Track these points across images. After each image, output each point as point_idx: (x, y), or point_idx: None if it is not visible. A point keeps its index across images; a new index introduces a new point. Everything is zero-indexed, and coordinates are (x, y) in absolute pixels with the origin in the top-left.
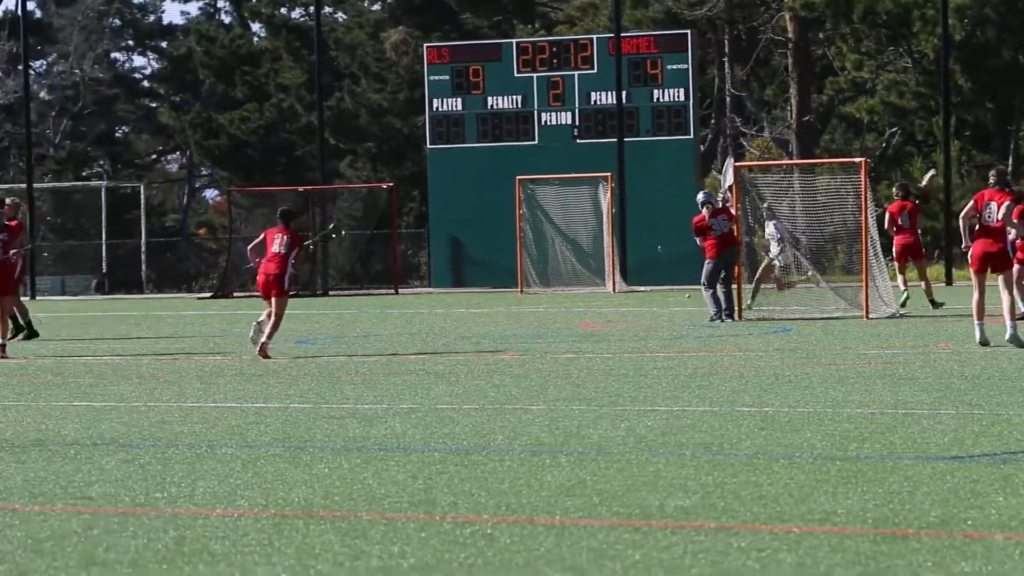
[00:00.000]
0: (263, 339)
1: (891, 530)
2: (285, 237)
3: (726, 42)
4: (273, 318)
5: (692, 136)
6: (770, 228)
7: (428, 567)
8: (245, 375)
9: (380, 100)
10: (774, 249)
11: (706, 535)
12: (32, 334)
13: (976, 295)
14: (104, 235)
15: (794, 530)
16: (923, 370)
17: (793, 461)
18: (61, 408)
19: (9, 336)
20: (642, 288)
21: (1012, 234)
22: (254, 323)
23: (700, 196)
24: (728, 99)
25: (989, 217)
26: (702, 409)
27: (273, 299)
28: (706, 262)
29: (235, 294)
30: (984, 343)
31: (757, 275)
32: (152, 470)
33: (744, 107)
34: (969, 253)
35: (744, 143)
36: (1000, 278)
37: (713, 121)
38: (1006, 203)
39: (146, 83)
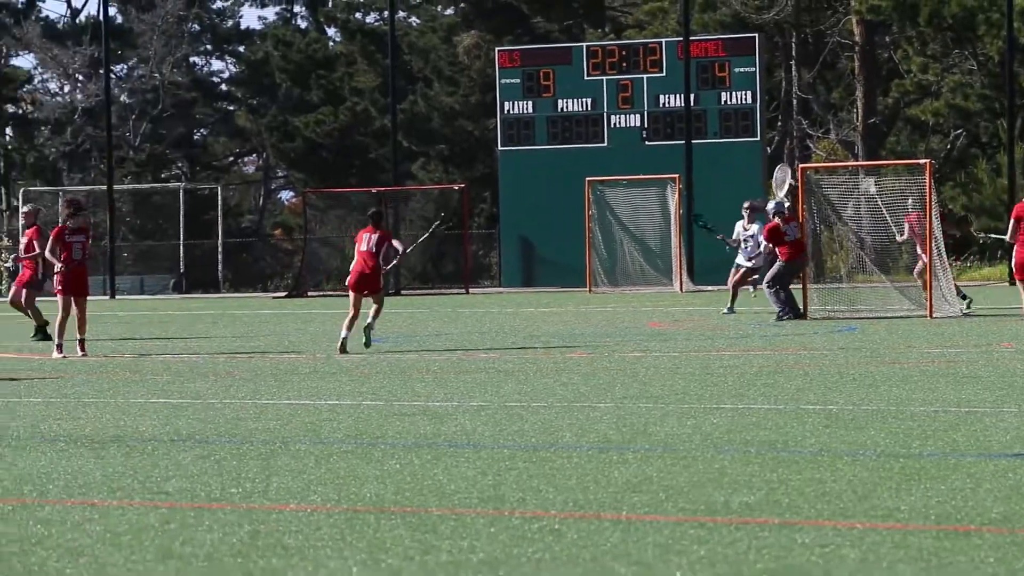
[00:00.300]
0: (369, 320)
1: (953, 527)
2: (373, 236)
3: (793, 45)
4: (375, 307)
5: (759, 138)
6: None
7: (496, 562)
8: (319, 373)
9: (452, 103)
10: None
11: (770, 531)
12: (45, 336)
13: None
14: (182, 235)
15: (857, 526)
16: (986, 369)
17: (856, 458)
18: (139, 405)
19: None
20: (709, 288)
21: None
22: (342, 334)
23: (771, 206)
24: (795, 102)
25: None
26: (767, 407)
27: (370, 297)
28: (779, 263)
29: (309, 293)
30: None
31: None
32: (227, 466)
33: (811, 110)
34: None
35: (811, 145)
36: None
37: (780, 123)
38: None
39: (224, 87)
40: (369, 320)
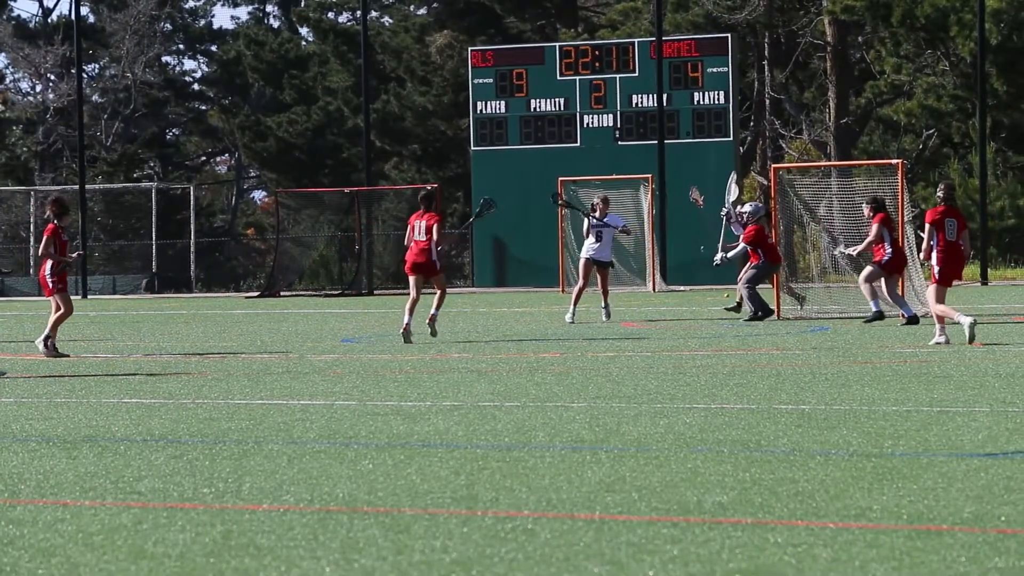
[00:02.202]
0: (432, 311)
1: (925, 526)
2: (423, 222)
3: (766, 45)
4: (439, 293)
5: (732, 138)
6: None
7: (470, 562)
8: (291, 373)
9: (425, 103)
10: None
11: (743, 530)
12: None
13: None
14: (154, 235)
15: (830, 526)
16: (958, 368)
17: (829, 458)
18: (112, 405)
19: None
20: (682, 288)
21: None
22: (405, 319)
23: (749, 208)
24: (767, 102)
25: (952, 234)
26: (740, 406)
27: (433, 280)
28: (759, 265)
29: (282, 293)
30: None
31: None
32: (200, 466)
33: (783, 110)
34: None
35: (783, 145)
36: None
37: (752, 123)
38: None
39: (196, 86)
40: (432, 311)
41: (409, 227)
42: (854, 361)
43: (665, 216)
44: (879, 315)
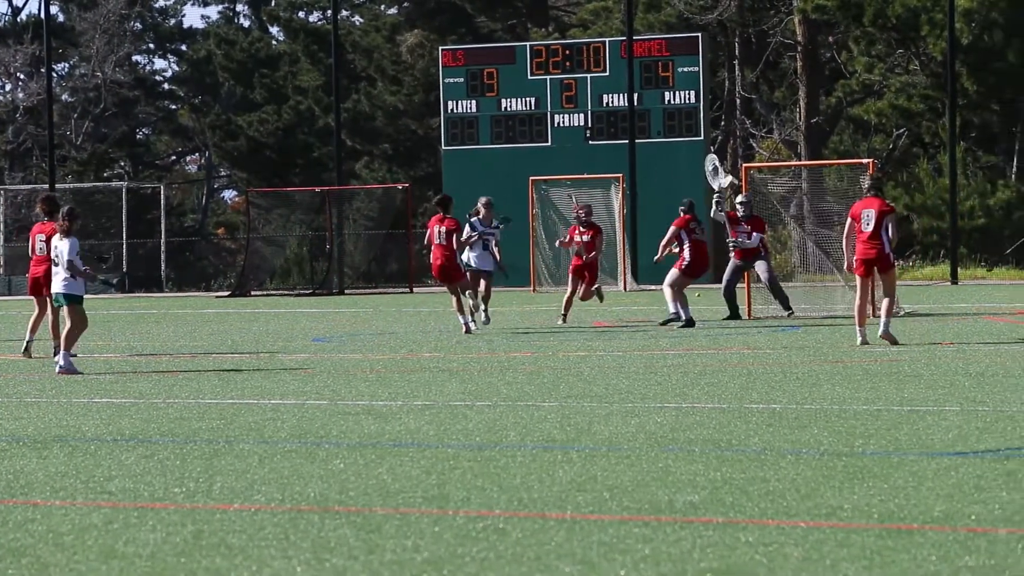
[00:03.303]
0: (479, 303)
1: (896, 525)
2: (442, 228)
3: (736, 45)
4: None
5: (703, 137)
6: None
7: (441, 561)
8: (262, 372)
9: (396, 102)
10: None
11: (714, 529)
12: None
13: (858, 300)
14: (124, 235)
15: (801, 525)
16: (928, 368)
17: (800, 457)
18: (82, 404)
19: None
20: (653, 287)
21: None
22: (468, 309)
23: (744, 198)
24: (738, 101)
25: (867, 225)
26: (711, 406)
27: (453, 284)
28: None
29: (252, 293)
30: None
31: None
32: (170, 465)
33: (754, 109)
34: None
35: (754, 144)
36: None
37: (723, 123)
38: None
39: (166, 86)
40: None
41: (429, 230)
42: (825, 360)
43: (636, 215)
44: (689, 322)
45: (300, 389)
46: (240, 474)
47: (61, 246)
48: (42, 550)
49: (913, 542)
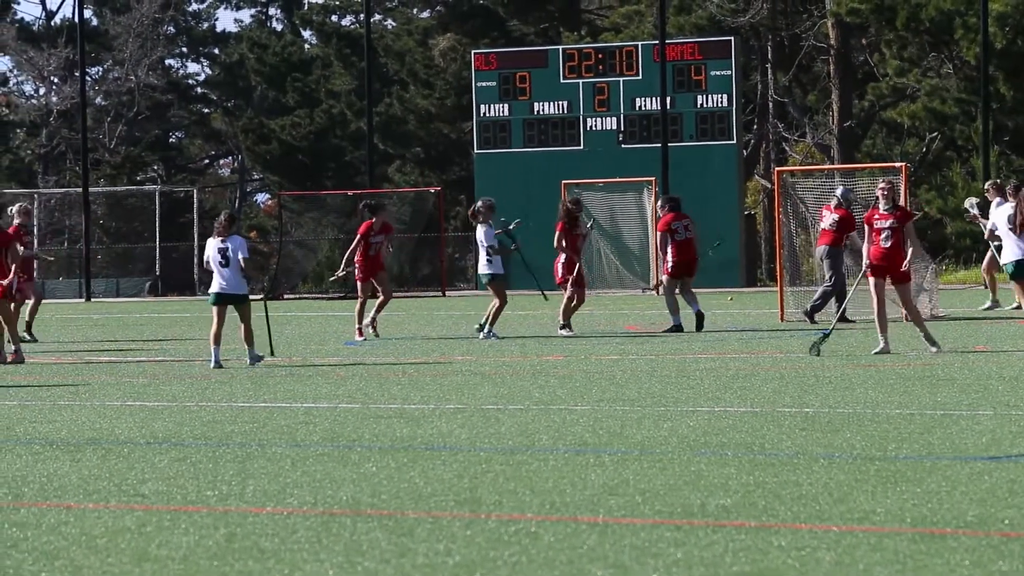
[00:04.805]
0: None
1: (929, 529)
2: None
3: (769, 48)
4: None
5: (735, 141)
6: None
7: (473, 564)
8: (294, 376)
9: (428, 106)
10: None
11: (746, 533)
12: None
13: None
14: (157, 238)
15: (833, 529)
16: (961, 372)
17: (833, 461)
18: (115, 408)
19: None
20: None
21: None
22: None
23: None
24: (771, 105)
25: (883, 234)
26: (743, 410)
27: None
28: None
29: (285, 296)
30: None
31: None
32: (203, 468)
33: (787, 113)
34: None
35: (787, 148)
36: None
37: (756, 126)
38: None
39: (199, 89)
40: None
41: None
42: (858, 364)
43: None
44: (677, 327)
45: (332, 392)
46: (273, 477)
47: (232, 244)
48: (75, 553)
49: (946, 547)
